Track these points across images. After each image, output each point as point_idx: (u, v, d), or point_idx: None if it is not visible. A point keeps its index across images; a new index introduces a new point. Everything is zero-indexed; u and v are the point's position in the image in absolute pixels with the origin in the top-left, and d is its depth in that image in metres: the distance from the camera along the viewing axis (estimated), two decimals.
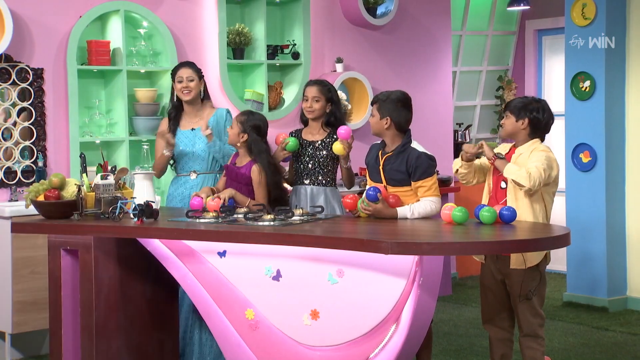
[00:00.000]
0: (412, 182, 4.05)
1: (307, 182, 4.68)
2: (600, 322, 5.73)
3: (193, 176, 4.89)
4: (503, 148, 4.23)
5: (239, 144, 4.56)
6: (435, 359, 4.73)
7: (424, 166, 4.04)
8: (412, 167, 4.04)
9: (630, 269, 6.15)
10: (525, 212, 4.00)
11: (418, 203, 4.04)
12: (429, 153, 4.10)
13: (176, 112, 4.94)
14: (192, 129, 4.90)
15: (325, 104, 4.69)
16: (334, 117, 4.71)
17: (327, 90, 4.71)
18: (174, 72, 4.93)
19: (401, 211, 4.00)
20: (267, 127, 4.64)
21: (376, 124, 4.15)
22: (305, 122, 4.78)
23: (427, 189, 4.04)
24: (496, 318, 4.14)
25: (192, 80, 4.89)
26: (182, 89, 4.87)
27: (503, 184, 4.08)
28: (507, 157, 4.12)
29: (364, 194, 4.05)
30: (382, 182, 4.12)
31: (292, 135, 4.76)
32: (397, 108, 4.11)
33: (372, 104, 4.22)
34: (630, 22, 6.05)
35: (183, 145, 4.89)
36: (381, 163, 4.13)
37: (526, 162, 4.03)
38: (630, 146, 6.11)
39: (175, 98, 4.94)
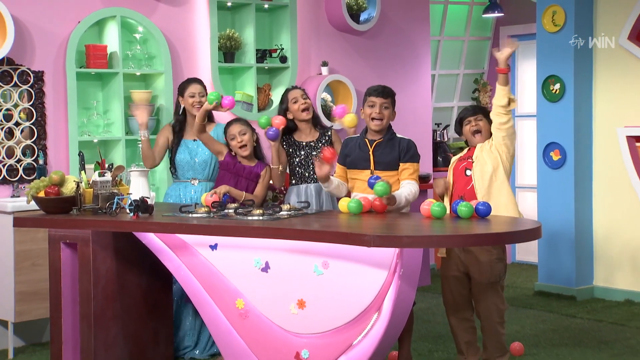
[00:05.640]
0: (400, 164, 4.13)
1: (309, 181, 4.69)
2: (568, 310, 5.75)
3: (195, 182, 4.88)
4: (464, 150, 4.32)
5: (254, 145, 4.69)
6: (414, 345, 4.74)
7: (413, 151, 4.17)
8: (403, 150, 4.14)
9: (597, 260, 6.18)
10: (497, 198, 4.08)
11: (402, 189, 4.07)
12: None
13: (180, 125, 4.94)
14: (195, 140, 4.89)
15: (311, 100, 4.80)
16: (317, 117, 4.84)
17: (306, 93, 4.80)
18: (184, 87, 4.92)
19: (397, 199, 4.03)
20: None
21: (390, 117, 4.20)
22: (292, 128, 4.75)
23: (411, 172, 4.14)
24: (461, 308, 4.17)
25: (203, 96, 4.89)
26: (194, 103, 4.86)
27: (468, 172, 4.13)
28: (469, 153, 4.22)
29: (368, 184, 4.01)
30: (369, 168, 4.15)
31: (283, 141, 4.74)
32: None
33: (384, 97, 4.18)
34: (597, 29, 6.08)
35: (185, 154, 4.89)
36: (371, 149, 4.15)
37: (491, 152, 4.13)
38: (597, 145, 6.14)
39: (181, 111, 4.93)
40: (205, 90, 4.95)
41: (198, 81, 4.96)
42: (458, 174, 4.19)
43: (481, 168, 4.10)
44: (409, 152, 4.15)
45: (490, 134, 4.20)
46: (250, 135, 4.66)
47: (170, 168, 5.02)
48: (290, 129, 4.74)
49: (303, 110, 4.70)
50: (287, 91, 4.80)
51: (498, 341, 4.08)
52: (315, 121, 4.78)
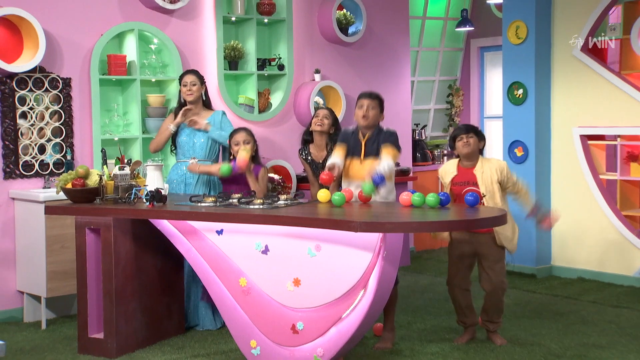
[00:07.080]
0: (381, 145, 4.13)
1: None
2: (529, 286, 5.78)
3: (193, 161, 4.90)
4: (451, 165, 4.35)
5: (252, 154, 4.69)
6: (396, 317, 4.75)
7: (393, 137, 4.18)
8: (384, 137, 4.17)
9: (554, 243, 6.21)
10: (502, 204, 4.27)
11: (383, 161, 4.09)
12: None
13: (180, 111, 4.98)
14: None
15: (330, 121, 4.74)
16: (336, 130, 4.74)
17: (330, 111, 4.77)
18: (180, 78, 5.01)
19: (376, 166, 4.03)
20: None
21: (376, 116, 4.22)
22: (309, 140, 4.78)
23: (387, 150, 4.11)
24: (466, 281, 4.33)
25: (194, 85, 4.94)
26: (186, 91, 4.94)
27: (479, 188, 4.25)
28: (465, 177, 4.26)
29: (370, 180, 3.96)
30: (360, 156, 4.19)
31: (301, 154, 4.77)
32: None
33: (372, 99, 4.21)
34: (555, 41, 6.09)
35: (186, 136, 4.92)
36: (363, 142, 4.20)
37: (493, 176, 4.23)
38: (555, 142, 6.16)
39: (181, 99, 5.01)
40: (200, 79, 4.96)
41: (192, 72, 5.00)
42: (458, 190, 4.26)
43: (493, 203, 4.19)
44: (389, 137, 4.17)
45: (477, 149, 4.30)
46: (252, 144, 4.70)
47: (171, 147, 5.08)
48: (310, 140, 4.79)
49: (316, 125, 4.73)
50: (319, 109, 4.83)
51: (501, 307, 4.30)
52: (330, 138, 4.76)
